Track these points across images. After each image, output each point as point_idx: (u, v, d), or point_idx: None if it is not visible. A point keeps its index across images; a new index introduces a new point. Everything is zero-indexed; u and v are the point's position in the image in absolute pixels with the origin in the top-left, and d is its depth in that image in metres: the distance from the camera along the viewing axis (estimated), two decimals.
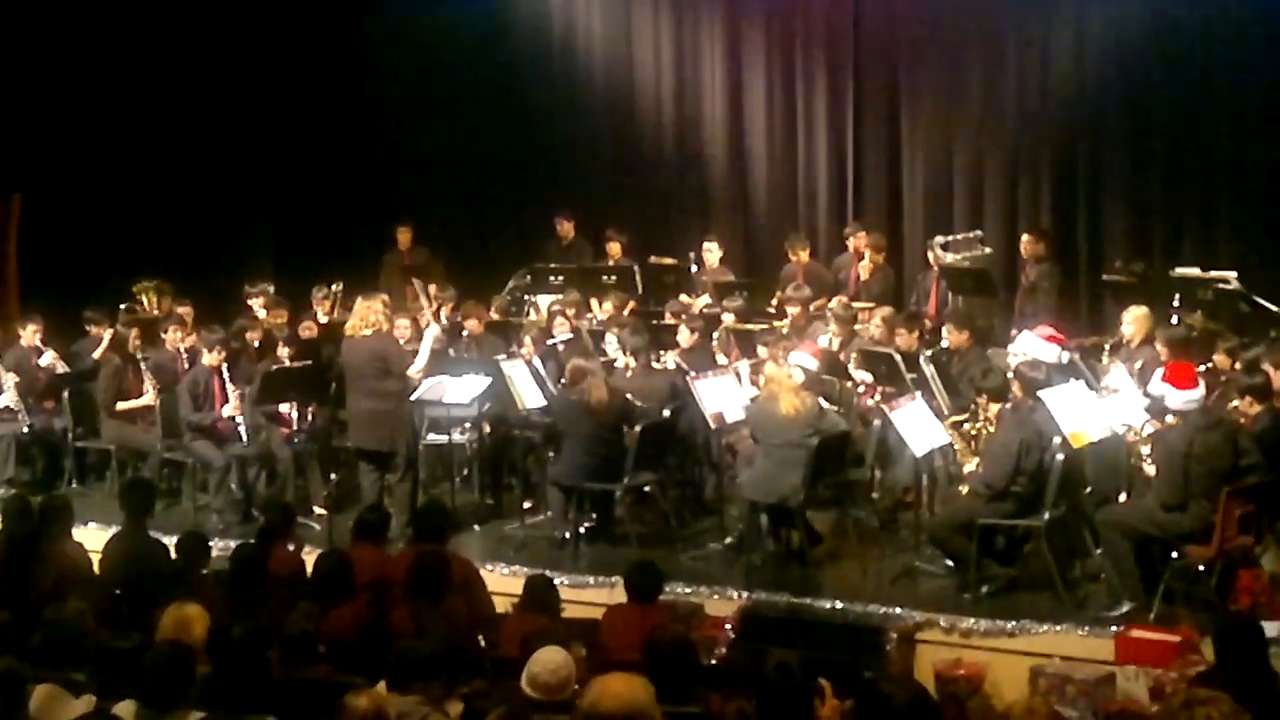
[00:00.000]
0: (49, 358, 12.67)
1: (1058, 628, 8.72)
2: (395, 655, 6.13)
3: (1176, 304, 11.72)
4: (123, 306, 13.43)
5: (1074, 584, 9.23)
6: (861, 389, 10.96)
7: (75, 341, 13.07)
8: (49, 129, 14.51)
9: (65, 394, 12.30)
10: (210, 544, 8.82)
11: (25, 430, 12.24)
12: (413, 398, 11.02)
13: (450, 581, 7.85)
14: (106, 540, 9.18)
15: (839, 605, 9.28)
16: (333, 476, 11.70)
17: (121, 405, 11.86)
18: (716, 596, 9.49)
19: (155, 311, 13.51)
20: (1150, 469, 9.07)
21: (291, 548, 9.06)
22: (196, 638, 6.48)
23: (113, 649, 6.56)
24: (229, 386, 11.43)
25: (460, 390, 11.05)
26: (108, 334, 12.54)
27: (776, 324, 12.38)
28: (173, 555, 9.07)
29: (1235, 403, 9.24)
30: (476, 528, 11.08)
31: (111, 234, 14.74)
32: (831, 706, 5.27)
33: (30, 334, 12.70)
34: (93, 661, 6.41)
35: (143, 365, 11.98)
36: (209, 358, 11.49)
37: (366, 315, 10.79)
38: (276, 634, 6.70)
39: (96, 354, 12.47)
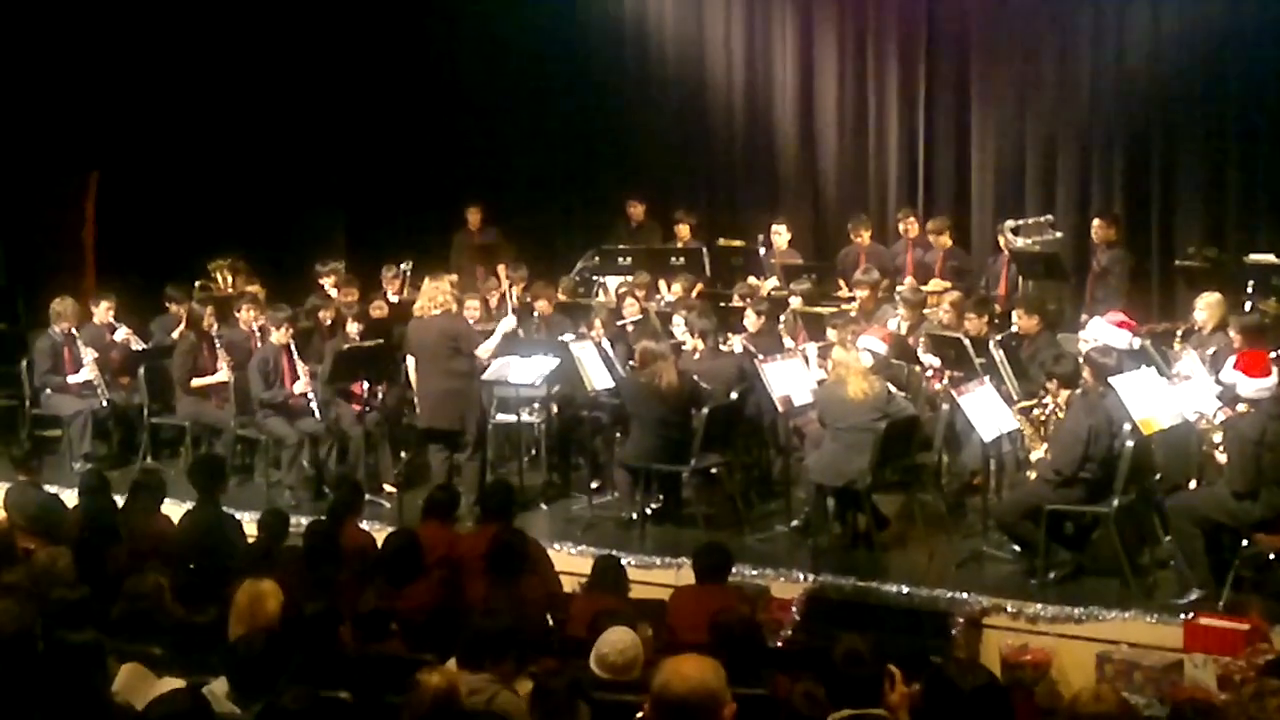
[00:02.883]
0: (122, 334, 12.85)
1: (1125, 614, 8.69)
2: (467, 633, 6.20)
3: (1250, 290, 11.61)
4: (197, 284, 13.58)
5: (1142, 571, 9.19)
6: (930, 373, 10.94)
7: (150, 319, 13.26)
8: (126, 107, 14.67)
9: (141, 370, 12.45)
10: (289, 521, 8.95)
11: (103, 405, 12.42)
12: (482, 378, 11.10)
13: (527, 560, 7.93)
14: (180, 516, 9.32)
15: (905, 589, 9.27)
16: (402, 455, 11.82)
17: (196, 382, 12.00)
18: (782, 579, 9.51)
19: (229, 289, 13.66)
20: (1221, 457, 9.00)
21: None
22: (270, 614, 6.59)
23: (189, 623, 6.67)
24: (298, 364, 11.55)
25: (528, 371, 11.12)
26: (185, 312, 12.70)
27: (845, 307, 12.37)
28: (250, 531, 9.23)
29: None
30: (544, 507, 11.15)
31: (186, 212, 14.90)
32: (900, 693, 5.28)
33: (103, 310, 12.88)
34: (169, 635, 6.52)
35: (217, 343, 12.11)
36: (277, 335, 11.61)
37: (435, 295, 10.87)
38: (350, 611, 6.80)
39: (175, 333, 12.63)
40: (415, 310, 11.14)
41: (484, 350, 11.29)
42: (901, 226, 14.25)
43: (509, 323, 11.68)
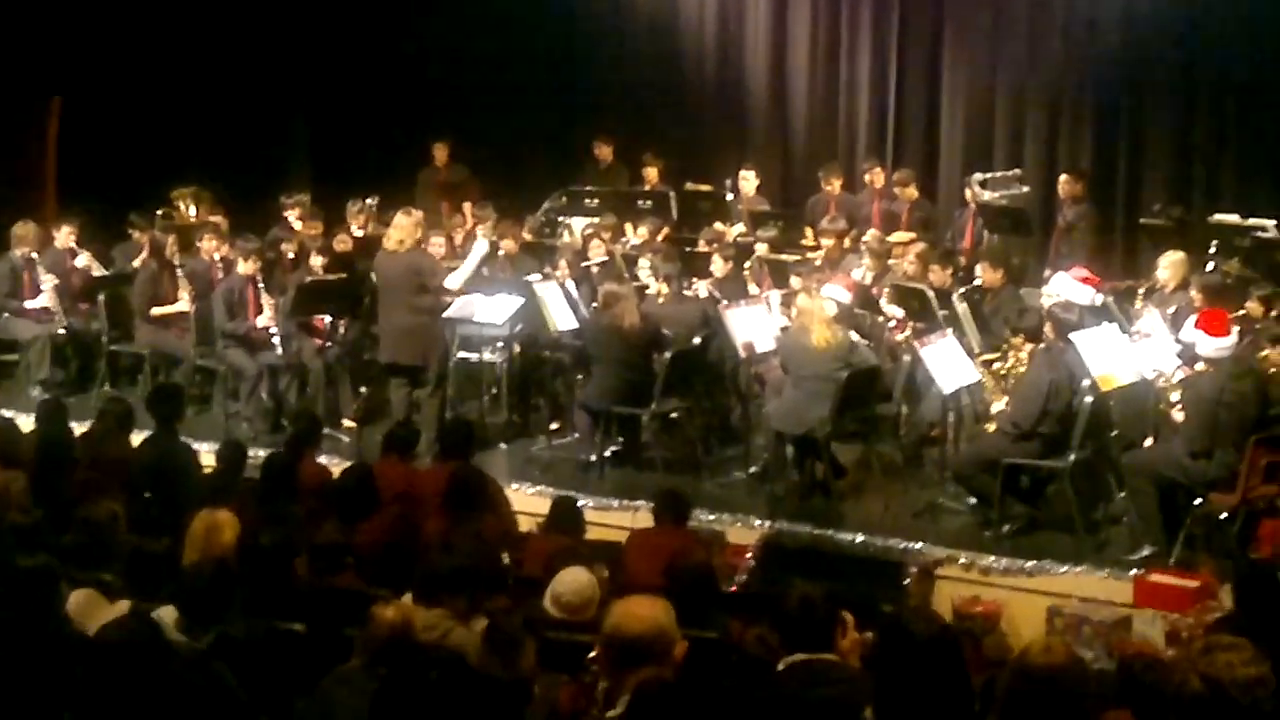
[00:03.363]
0: (84, 259, 12.76)
1: (1077, 569, 8.76)
2: (422, 569, 6.20)
3: (1213, 251, 11.65)
4: (160, 212, 13.47)
5: (1095, 526, 9.26)
6: (893, 324, 10.96)
7: (112, 245, 13.16)
8: (90, 32, 14.49)
9: (101, 297, 12.37)
10: (247, 453, 8.92)
11: (61, 331, 12.33)
12: (445, 315, 11.06)
13: (485, 499, 7.94)
14: (137, 444, 9.28)
15: (860, 538, 9.33)
16: (362, 390, 11.79)
17: (156, 311, 11.91)
18: (739, 525, 9.55)
19: (191, 219, 13.56)
20: (1178, 415, 9.06)
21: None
22: (226, 544, 6.58)
23: (143, 551, 6.64)
24: (264, 296, 11.49)
25: (492, 310, 11.09)
26: (148, 240, 12.60)
27: (810, 255, 12.36)
28: (207, 462, 9.19)
29: (1266, 351, 9.22)
30: (503, 446, 11.13)
31: (150, 139, 14.75)
32: (852, 639, 5.32)
33: (65, 235, 12.78)
34: (122, 563, 6.49)
35: (179, 272, 12.03)
36: (244, 267, 11.55)
37: (404, 230, 10.81)
38: (306, 544, 6.79)
39: (137, 261, 12.54)
40: (385, 244, 11.08)
41: (456, 279, 11.22)
42: (867, 177, 14.24)
43: (482, 246, 11.59)
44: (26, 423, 9.91)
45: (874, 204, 14.03)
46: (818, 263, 11.90)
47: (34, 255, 12.41)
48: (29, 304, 12.33)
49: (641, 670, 4.70)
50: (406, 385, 10.99)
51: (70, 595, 5.90)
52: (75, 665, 4.92)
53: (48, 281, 12.31)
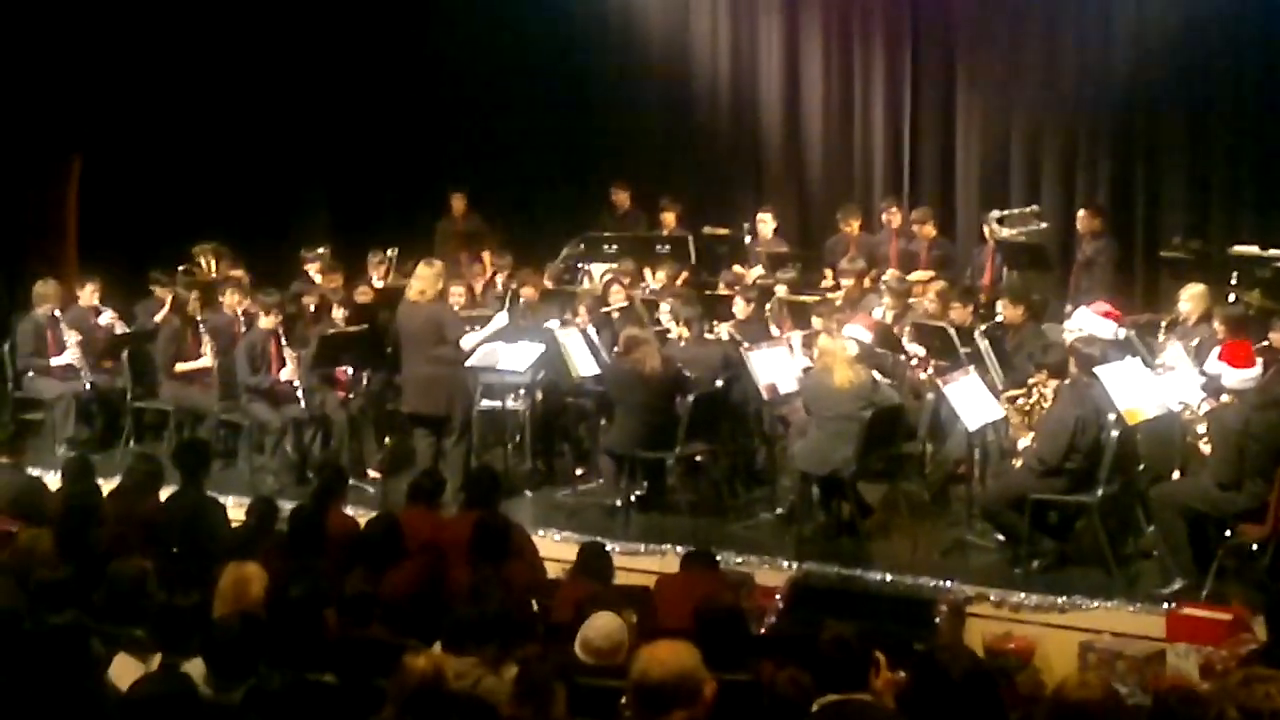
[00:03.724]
0: (108, 317, 12.81)
1: (1109, 604, 8.71)
2: (452, 618, 6.19)
3: (1234, 282, 11.63)
4: (181, 269, 13.53)
5: (1126, 561, 9.22)
6: (915, 362, 10.95)
7: (134, 302, 13.22)
8: (109, 90, 14.59)
9: (125, 354, 12.41)
10: (278, 509, 8.93)
11: (86, 389, 12.38)
12: (467, 364, 11.08)
13: (511, 546, 7.93)
14: (164, 500, 9.29)
15: (889, 577, 9.30)
16: (387, 440, 11.80)
17: (180, 367, 11.96)
18: (767, 566, 9.52)
19: (212, 274, 13.62)
20: (1205, 447, 9.03)
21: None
22: (255, 597, 6.57)
23: (172, 607, 6.63)
24: (286, 350, 11.52)
25: (514, 357, 11.10)
26: (170, 296, 12.66)
27: (830, 296, 12.37)
28: (234, 516, 9.21)
29: None
30: (529, 494, 11.13)
31: (170, 196, 14.84)
32: (885, 679, 5.29)
33: (89, 294, 12.85)
34: (153, 619, 6.48)
35: (201, 327, 12.08)
36: (265, 321, 11.59)
37: (426, 281, 10.85)
38: (334, 595, 6.78)
39: (159, 316, 12.60)
40: (407, 294, 11.12)
41: (470, 341, 11.25)
42: (885, 217, 14.25)
43: (501, 319, 11.60)
44: (53, 480, 9.94)
45: (892, 243, 14.05)
46: (838, 303, 11.89)
47: (57, 313, 12.47)
48: (54, 362, 12.39)
49: (672, 715, 4.69)
50: (430, 435, 10.99)
51: (101, 654, 5.89)
52: None
53: (71, 338, 12.36)
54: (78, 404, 12.36)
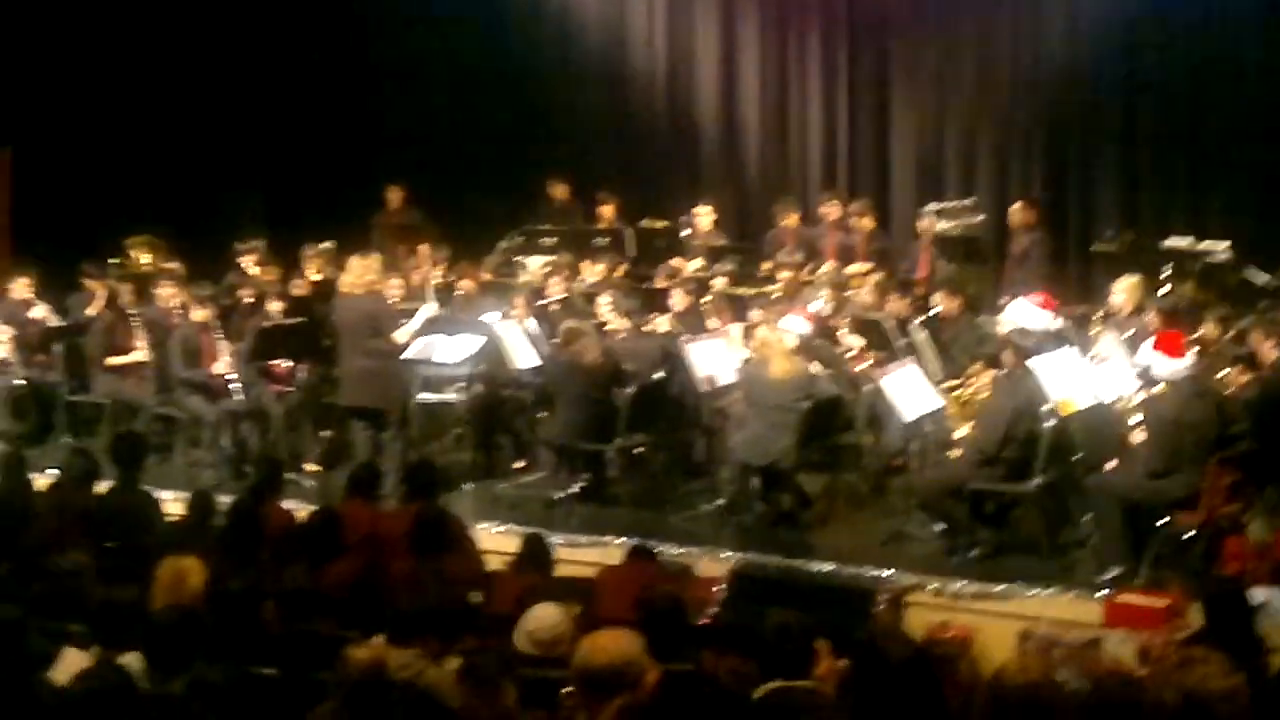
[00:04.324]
0: (41, 311, 12.68)
1: (1046, 591, 8.78)
2: (394, 609, 6.18)
3: (1168, 274, 11.75)
4: (114, 261, 13.40)
5: (1062, 549, 9.30)
6: (853, 354, 11.00)
7: (67, 296, 13.09)
8: (41, 83, 14.45)
9: (58, 348, 12.29)
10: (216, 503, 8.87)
11: (18, 383, 12.24)
12: (404, 357, 11.04)
13: (450, 538, 7.91)
14: (100, 494, 9.20)
15: (828, 568, 9.33)
16: (324, 434, 11.74)
17: (113, 360, 11.85)
18: (707, 557, 9.52)
19: (146, 267, 13.50)
20: (1139, 436, 9.12)
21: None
22: (194, 590, 6.52)
23: (110, 601, 6.57)
24: (220, 343, 11.44)
25: (451, 350, 11.07)
26: (102, 289, 12.53)
27: (768, 288, 12.40)
28: (170, 511, 9.14)
29: (1224, 371, 9.31)
30: (468, 486, 11.10)
31: (103, 189, 14.71)
32: (827, 667, 5.32)
33: (22, 287, 12.71)
34: (91, 613, 6.43)
35: (135, 320, 11.97)
36: (199, 314, 11.52)
37: (362, 274, 10.82)
38: (273, 588, 6.75)
39: (91, 309, 12.47)
40: (341, 286, 11.08)
41: (403, 334, 11.21)
42: (822, 210, 14.29)
43: (430, 309, 11.57)
44: None
45: (830, 236, 14.09)
46: (776, 296, 11.93)
47: None
48: None
49: (615, 700, 4.71)
50: (369, 428, 10.95)
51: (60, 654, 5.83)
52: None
53: (4, 333, 12.21)
54: (11, 398, 12.22)
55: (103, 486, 9.29)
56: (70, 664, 5.67)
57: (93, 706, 4.81)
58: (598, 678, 4.80)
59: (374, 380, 10.84)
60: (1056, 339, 10.32)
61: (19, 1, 14.22)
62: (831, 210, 14.15)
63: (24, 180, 14.83)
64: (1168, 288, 11.54)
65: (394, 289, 11.86)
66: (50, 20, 14.38)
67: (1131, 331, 10.34)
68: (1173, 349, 8.97)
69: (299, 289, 12.67)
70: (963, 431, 9.53)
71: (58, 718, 4.86)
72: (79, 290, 13.01)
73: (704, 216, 14.39)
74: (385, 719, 5.07)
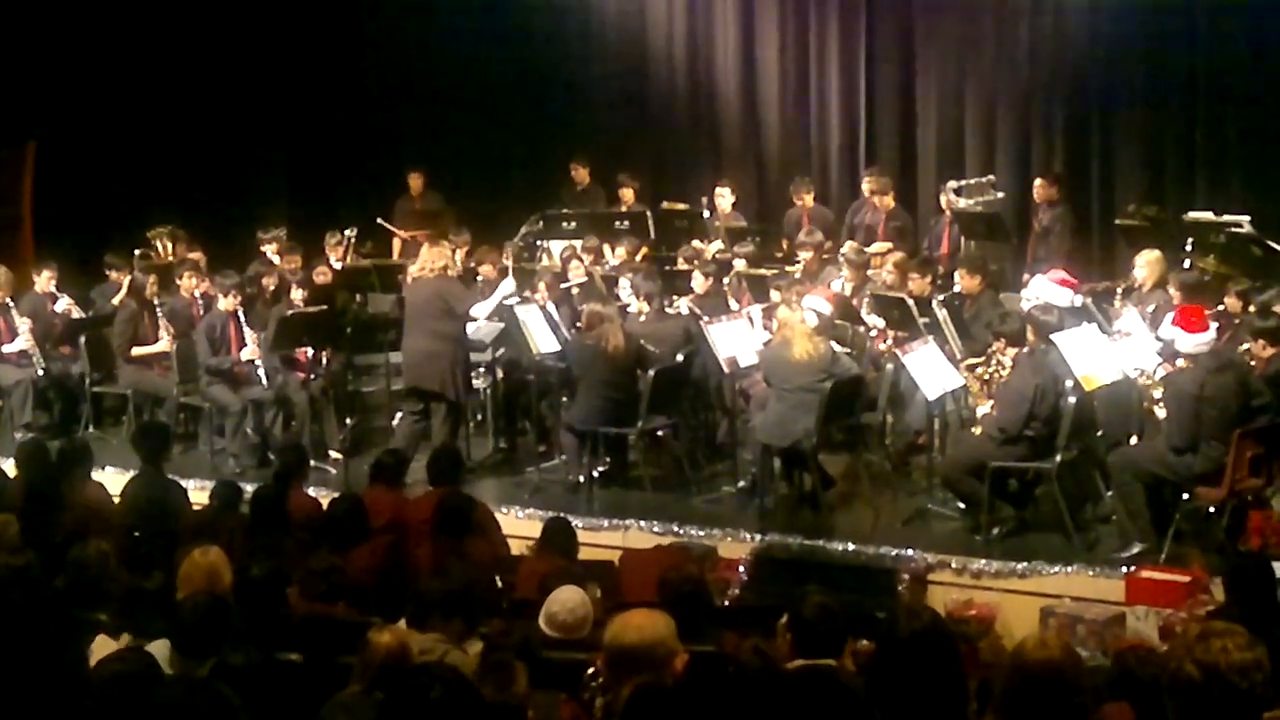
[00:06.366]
0: (64, 303, 12.74)
1: (1068, 569, 8.79)
2: (416, 594, 6.21)
3: (1189, 248, 11.70)
4: (137, 252, 13.47)
5: (1085, 526, 9.27)
6: (874, 333, 11.00)
7: (90, 287, 13.16)
8: (62, 76, 14.50)
9: (82, 339, 12.35)
10: (242, 492, 8.92)
11: (41, 375, 12.30)
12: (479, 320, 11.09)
13: (473, 523, 7.94)
14: (124, 484, 9.26)
15: (851, 547, 9.34)
16: (348, 421, 11.78)
17: (137, 350, 11.91)
18: (730, 539, 9.56)
19: (169, 257, 13.56)
20: (1162, 412, 9.10)
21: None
22: (220, 578, 6.56)
23: (136, 590, 6.62)
24: (246, 331, 11.49)
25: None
26: (126, 280, 12.59)
27: (789, 269, 12.40)
28: (196, 499, 9.19)
29: (1247, 345, 9.28)
30: (491, 471, 11.13)
31: (125, 180, 14.77)
32: (850, 647, 5.34)
33: (45, 280, 12.77)
34: (116, 602, 6.48)
35: (159, 311, 12.02)
36: (225, 303, 11.55)
37: (435, 260, 10.83)
38: (297, 574, 6.79)
39: (116, 300, 12.53)
40: (412, 272, 11.13)
41: (481, 310, 11.21)
42: (865, 187, 14.17)
43: (508, 285, 11.54)
44: (11, 468, 9.86)
45: (867, 214, 14.00)
46: (797, 276, 11.92)
47: (9, 300, 12.38)
48: (6, 349, 12.29)
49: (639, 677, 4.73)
50: (420, 411, 10.94)
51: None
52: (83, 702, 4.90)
53: (24, 325, 12.27)
54: (34, 390, 12.28)
55: (128, 476, 9.35)
56: (101, 652, 5.72)
57: (119, 691, 4.83)
58: (628, 657, 4.81)
59: (434, 363, 10.79)
60: (1078, 315, 10.29)
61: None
62: (873, 184, 14.01)
63: (47, 173, 14.88)
64: (1189, 262, 11.49)
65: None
66: (72, 15, 14.41)
67: (1154, 306, 10.30)
68: (1194, 323, 8.94)
69: (321, 276, 12.72)
70: (985, 409, 9.51)
71: (88, 701, 4.88)
72: (103, 282, 13.08)
73: (724, 198, 14.39)
74: (411, 699, 5.08)
